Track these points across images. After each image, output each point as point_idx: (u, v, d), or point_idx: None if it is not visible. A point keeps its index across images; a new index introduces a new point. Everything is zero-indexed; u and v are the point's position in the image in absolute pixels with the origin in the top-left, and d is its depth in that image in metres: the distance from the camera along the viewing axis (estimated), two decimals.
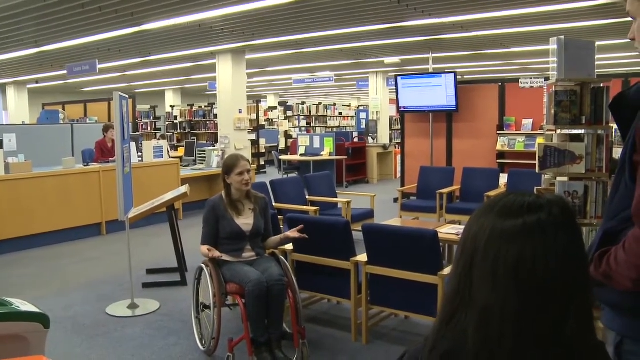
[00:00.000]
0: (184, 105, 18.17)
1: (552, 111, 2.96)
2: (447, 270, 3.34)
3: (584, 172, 2.92)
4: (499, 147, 8.46)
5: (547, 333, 0.87)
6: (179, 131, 17.55)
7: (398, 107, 9.75)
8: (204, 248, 3.50)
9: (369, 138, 13.67)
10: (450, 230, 4.59)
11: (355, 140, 13.50)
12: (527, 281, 0.87)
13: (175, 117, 17.76)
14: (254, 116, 15.24)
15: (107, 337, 4.00)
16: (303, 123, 21.78)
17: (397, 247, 3.53)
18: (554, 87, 2.99)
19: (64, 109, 13.61)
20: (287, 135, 18.71)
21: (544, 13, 7.05)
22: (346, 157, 12.18)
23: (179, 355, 3.67)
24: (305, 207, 6.21)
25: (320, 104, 22.58)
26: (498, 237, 0.89)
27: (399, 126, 11.41)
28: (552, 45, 2.99)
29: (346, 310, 4.21)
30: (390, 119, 15.11)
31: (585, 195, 2.89)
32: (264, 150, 16.31)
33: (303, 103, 22.52)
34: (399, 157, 11.00)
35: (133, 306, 4.54)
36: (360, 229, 3.76)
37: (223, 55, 9.91)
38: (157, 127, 17.91)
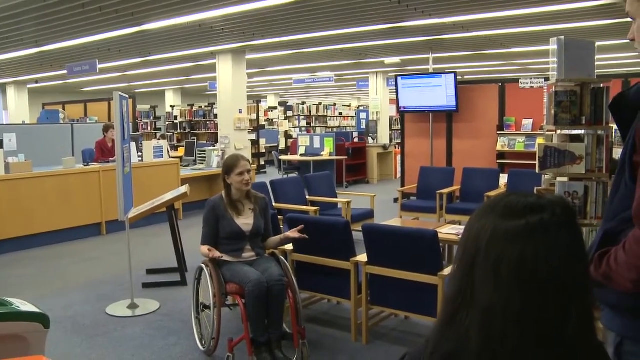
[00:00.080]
0: (184, 105, 18.16)
1: (552, 111, 2.96)
2: (447, 271, 3.34)
3: (584, 172, 2.92)
4: (499, 148, 8.45)
5: (548, 333, 0.87)
6: (179, 131, 17.54)
7: (398, 107, 9.74)
8: (204, 248, 3.50)
9: (369, 138, 13.66)
10: (450, 230, 4.59)
11: (356, 140, 13.49)
12: (529, 281, 0.87)
13: (176, 117, 17.76)
14: (254, 116, 15.24)
15: (107, 337, 4.00)
16: (303, 123, 21.77)
17: (397, 248, 3.53)
18: (554, 88, 2.99)
19: (64, 109, 13.62)
20: (287, 136, 18.71)
21: (545, 13, 7.05)
22: (346, 157, 12.18)
23: (179, 355, 3.67)
24: (305, 207, 6.21)
25: (320, 104, 22.57)
26: (500, 237, 0.89)
27: (399, 126, 11.40)
28: (552, 46, 2.99)
29: (346, 310, 4.21)
30: (390, 119, 15.10)
31: (585, 195, 2.89)
32: (264, 151, 16.31)
33: (303, 103, 22.51)
34: (399, 158, 11.00)
35: (133, 306, 4.54)
36: (360, 229, 3.76)
37: (223, 55, 9.91)
38: (157, 127, 17.91)
